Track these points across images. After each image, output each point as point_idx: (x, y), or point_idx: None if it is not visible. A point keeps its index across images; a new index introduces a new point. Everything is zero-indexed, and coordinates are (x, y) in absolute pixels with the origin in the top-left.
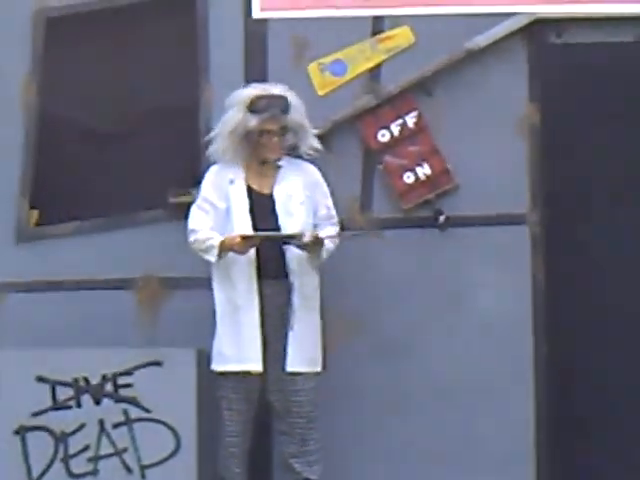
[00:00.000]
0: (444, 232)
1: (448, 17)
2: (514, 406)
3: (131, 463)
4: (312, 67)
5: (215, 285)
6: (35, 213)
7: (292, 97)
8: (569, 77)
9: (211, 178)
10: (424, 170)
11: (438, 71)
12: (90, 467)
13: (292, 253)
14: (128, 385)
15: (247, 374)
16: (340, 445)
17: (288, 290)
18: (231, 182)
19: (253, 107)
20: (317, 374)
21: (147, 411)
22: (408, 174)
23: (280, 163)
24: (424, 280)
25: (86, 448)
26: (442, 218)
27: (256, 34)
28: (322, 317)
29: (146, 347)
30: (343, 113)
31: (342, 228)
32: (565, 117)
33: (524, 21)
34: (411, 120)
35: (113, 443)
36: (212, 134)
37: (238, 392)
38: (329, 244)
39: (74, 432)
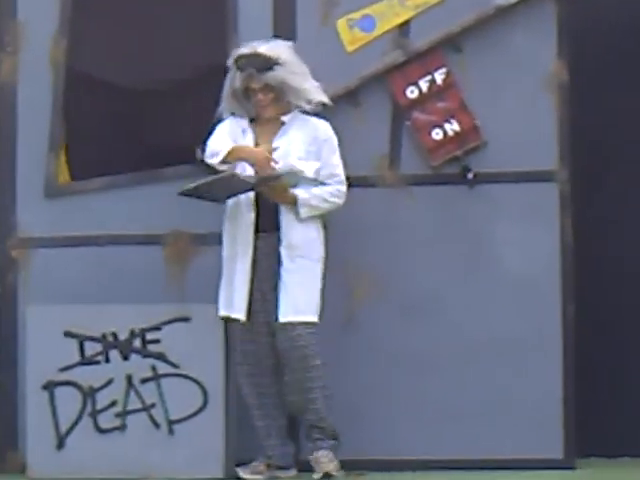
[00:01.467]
0: (472, 189)
1: None
2: (542, 364)
3: (159, 418)
4: (341, 23)
5: (223, 233)
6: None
7: (283, 53)
8: (598, 33)
9: (226, 124)
10: (452, 126)
11: (467, 27)
12: (118, 422)
13: (283, 206)
14: (156, 340)
15: (253, 324)
16: (365, 404)
17: (279, 242)
18: (243, 131)
19: (238, 66)
20: (312, 324)
21: (175, 366)
22: (436, 130)
23: (283, 119)
24: (452, 237)
25: (114, 403)
26: (470, 175)
27: None
28: (324, 269)
29: (174, 303)
30: (372, 69)
31: (349, 187)
32: (594, 74)
33: None
34: (440, 76)
35: (141, 398)
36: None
37: (243, 341)
38: (312, 200)
39: (102, 387)
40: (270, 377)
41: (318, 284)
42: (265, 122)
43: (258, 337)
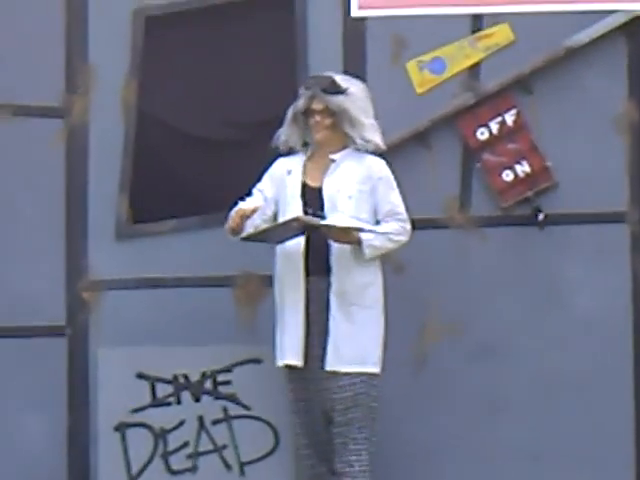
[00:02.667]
0: (543, 230)
1: (547, 15)
2: (613, 406)
3: (230, 460)
4: (411, 65)
5: (274, 279)
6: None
7: (353, 86)
8: None
9: (272, 168)
10: (523, 168)
11: (537, 69)
12: (189, 464)
13: (334, 249)
14: (227, 382)
15: (303, 370)
16: (436, 446)
17: (329, 287)
18: (288, 172)
19: (305, 85)
20: (365, 374)
21: (246, 408)
22: (507, 172)
23: (333, 157)
24: (523, 278)
25: (185, 445)
26: (541, 216)
27: (354, 33)
28: (385, 317)
29: (245, 344)
30: (442, 111)
31: (413, 226)
32: None
33: (624, 18)
34: (510, 118)
35: (212, 440)
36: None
37: (295, 390)
38: (375, 240)
39: (174, 429)
40: (323, 426)
41: (371, 332)
42: (317, 158)
43: (311, 385)
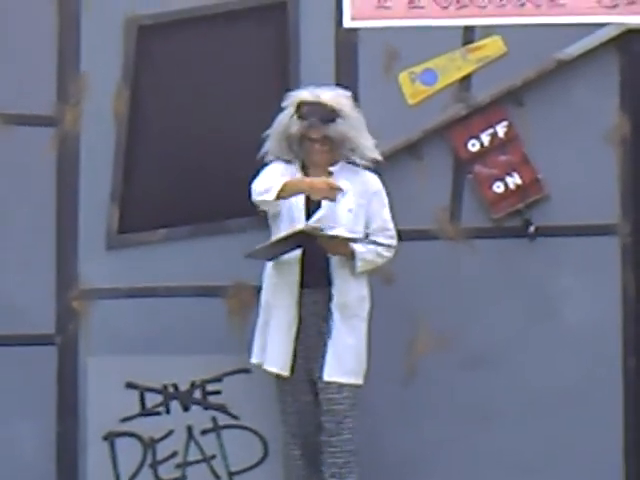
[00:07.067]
0: (534, 242)
1: (539, 27)
2: (602, 418)
3: (219, 470)
4: (403, 76)
5: (266, 280)
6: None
7: (345, 106)
8: None
9: (278, 166)
10: (514, 180)
11: (529, 81)
12: (178, 473)
13: (334, 261)
14: (217, 392)
15: (298, 382)
16: (424, 457)
17: (329, 299)
18: (292, 176)
19: (298, 112)
20: (354, 386)
21: (235, 418)
22: (498, 184)
23: (332, 169)
24: (513, 290)
25: (174, 454)
26: (532, 228)
27: (347, 43)
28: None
29: (235, 354)
30: (433, 122)
31: (402, 237)
32: None
33: (615, 31)
34: (501, 130)
35: (201, 450)
36: (267, 132)
37: (287, 401)
38: (367, 254)
39: (163, 438)
40: (314, 437)
41: (364, 344)
42: (313, 171)
43: (300, 396)
